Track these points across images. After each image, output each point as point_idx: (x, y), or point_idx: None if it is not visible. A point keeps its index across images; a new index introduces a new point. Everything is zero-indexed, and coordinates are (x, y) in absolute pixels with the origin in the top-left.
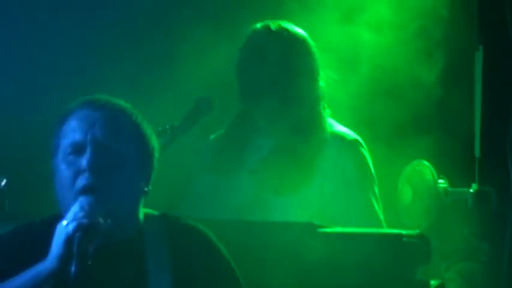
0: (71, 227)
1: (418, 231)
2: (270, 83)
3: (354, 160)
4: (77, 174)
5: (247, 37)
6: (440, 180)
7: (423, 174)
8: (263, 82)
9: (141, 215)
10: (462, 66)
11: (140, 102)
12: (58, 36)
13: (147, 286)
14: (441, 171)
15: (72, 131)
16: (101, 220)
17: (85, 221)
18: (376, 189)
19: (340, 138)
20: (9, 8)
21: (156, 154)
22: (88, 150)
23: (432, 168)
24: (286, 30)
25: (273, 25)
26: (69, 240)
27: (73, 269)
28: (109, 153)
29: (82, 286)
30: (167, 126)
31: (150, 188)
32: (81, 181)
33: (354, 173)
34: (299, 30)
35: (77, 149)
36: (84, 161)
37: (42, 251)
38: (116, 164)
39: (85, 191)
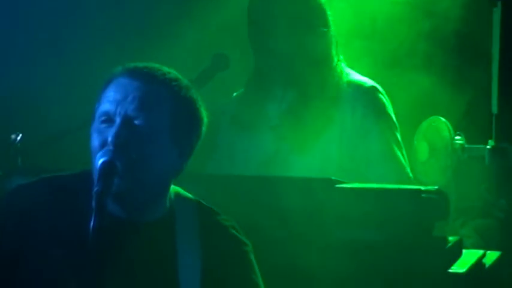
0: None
1: (436, 187)
2: (282, 41)
3: (373, 107)
4: (102, 145)
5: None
6: (457, 137)
7: (440, 130)
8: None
9: (172, 194)
10: (479, 23)
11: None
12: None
13: (177, 267)
14: (458, 128)
15: (107, 100)
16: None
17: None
18: (398, 135)
19: (357, 86)
20: None
21: (201, 131)
22: (116, 123)
23: (449, 125)
24: None
25: None
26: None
27: (92, 224)
28: (137, 129)
29: (111, 264)
30: None
31: (185, 166)
32: (103, 154)
33: (372, 120)
34: None
35: (108, 119)
36: (109, 136)
37: (74, 204)
38: (144, 139)
39: (104, 167)
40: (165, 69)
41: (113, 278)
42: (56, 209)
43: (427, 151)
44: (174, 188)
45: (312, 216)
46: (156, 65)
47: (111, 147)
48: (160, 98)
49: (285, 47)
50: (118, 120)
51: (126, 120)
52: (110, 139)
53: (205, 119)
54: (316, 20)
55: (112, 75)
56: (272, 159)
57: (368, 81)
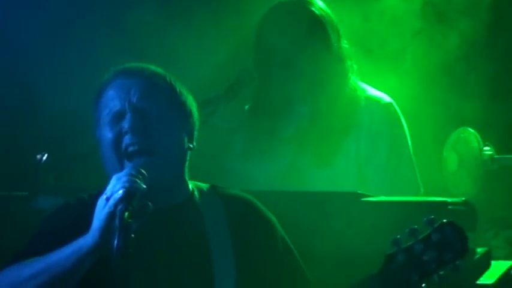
0: (112, 200)
1: (463, 198)
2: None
3: (389, 122)
4: (119, 136)
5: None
6: (485, 147)
7: (469, 141)
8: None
9: (190, 182)
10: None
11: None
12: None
13: (209, 248)
14: (487, 138)
15: (111, 101)
16: (143, 185)
17: (128, 185)
18: (411, 150)
19: (374, 102)
20: None
21: (195, 111)
22: (128, 115)
23: (478, 135)
24: (302, 9)
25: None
26: (111, 214)
27: (115, 243)
28: (148, 116)
29: (140, 251)
30: (212, 96)
31: (195, 144)
32: (126, 141)
33: (388, 135)
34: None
35: (118, 116)
36: (125, 124)
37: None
38: (156, 123)
39: (130, 151)
40: (150, 65)
41: (145, 266)
42: (82, 228)
43: (457, 162)
44: (190, 182)
45: (339, 230)
46: (143, 63)
47: (129, 135)
48: (158, 87)
49: (298, 66)
50: (128, 112)
51: (136, 110)
52: (126, 128)
53: (194, 102)
54: (326, 37)
55: (104, 81)
56: (288, 171)
57: (385, 97)
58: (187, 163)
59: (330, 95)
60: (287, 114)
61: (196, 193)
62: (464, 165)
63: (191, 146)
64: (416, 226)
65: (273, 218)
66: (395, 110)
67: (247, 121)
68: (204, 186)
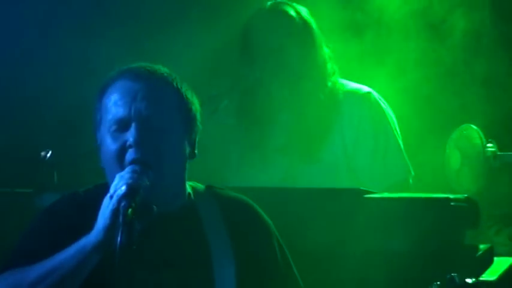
0: (115, 197)
1: (465, 195)
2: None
3: (368, 109)
4: (123, 149)
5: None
6: (488, 144)
7: (471, 138)
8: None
9: (187, 184)
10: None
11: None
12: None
13: (210, 252)
14: (489, 135)
15: (115, 105)
16: (146, 181)
17: (131, 181)
18: (397, 134)
19: (352, 94)
20: None
21: (199, 116)
22: (133, 125)
23: (480, 132)
24: (286, 14)
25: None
26: (115, 211)
27: (119, 239)
28: (154, 126)
29: (140, 257)
30: (214, 93)
31: (196, 151)
32: (130, 155)
33: (370, 121)
34: (293, 17)
35: (122, 125)
36: (130, 137)
37: (88, 222)
38: (162, 135)
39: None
40: (156, 65)
41: (148, 269)
42: (79, 224)
43: (460, 159)
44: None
45: (341, 226)
46: (148, 63)
47: (134, 149)
48: (165, 92)
49: (280, 72)
50: (134, 122)
51: (142, 120)
52: (131, 141)
53: (198, 106)
54: (307, 41)
55: (109, 80)
56: (283, 178)
57: (363, 88)
58: (187, 170)
59: (312, 98)
60: (275, 123)
61: (193, 196)
62: (467, 162)
63: (193, 154)
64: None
65: (270, 222)
66: (374, 98)
67: (236, 134)
68: (200, 187)
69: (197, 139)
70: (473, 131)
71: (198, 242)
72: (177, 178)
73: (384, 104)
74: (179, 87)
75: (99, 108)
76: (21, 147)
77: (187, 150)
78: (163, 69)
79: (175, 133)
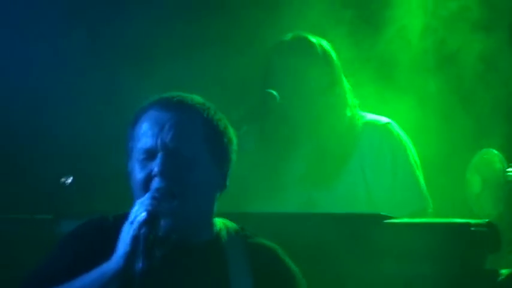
0: (136, 224)
1: (486, 220)
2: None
3: (387, 140)
4: (149, 178)
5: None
6: (509, 169)
7: (492, 163)
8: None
9: (217, 220)
10: None
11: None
12: None
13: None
14: (510, 160)
15: (144, 135)
16: (167, 209)
17: (150, 208)
18: (415, 165)
19: (371, 124)
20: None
21: (233, 147)
22: (159, 156)
23: (501, 156)
24: (307, 41)
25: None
26: (135, 237)
27: (140, 266)
28: (180, 157)
29: (159, 286)
30: (234, 118)
31: (228, 182)
32: (155, 184)
33: (388, 151)
34: (314, 44)
35: (150, 155)
36: (155, 166)
37: (112, 247)
38: (187, 165)
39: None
40: (189, 95)
41: None
42: (103, 249)
43: (480, 184)
44: (217, 218)
45: (360, 251)
46: (180, 93)
47: (159, 178)
48: (193, 122)
49: (301, 105)
50: (160, 153)
51: (168, 152)
52: (156, 171)
53: (234, 137)
54: (326, 66)
55: (141, 110)
56: (303, 203)
57: (382, 119)
58: (216, 202)
59: (331, 129)
60: (294, 151)
61: (223, 233)
62: (488, 187)
63: (223, 186)
64: None
65: (296, 270)
66: (393, 128)
67: (255, 159)
68: (232, 227)
69: (229, 171)
70: (493, 155)
71: (219, 280)
72: (202, 210)
73: (403, 135)
74: (210, 118)
75: (131, 136)
76: (41, 173)
77: (217, 181)
78: (196, 99)
79: (202, 164)
